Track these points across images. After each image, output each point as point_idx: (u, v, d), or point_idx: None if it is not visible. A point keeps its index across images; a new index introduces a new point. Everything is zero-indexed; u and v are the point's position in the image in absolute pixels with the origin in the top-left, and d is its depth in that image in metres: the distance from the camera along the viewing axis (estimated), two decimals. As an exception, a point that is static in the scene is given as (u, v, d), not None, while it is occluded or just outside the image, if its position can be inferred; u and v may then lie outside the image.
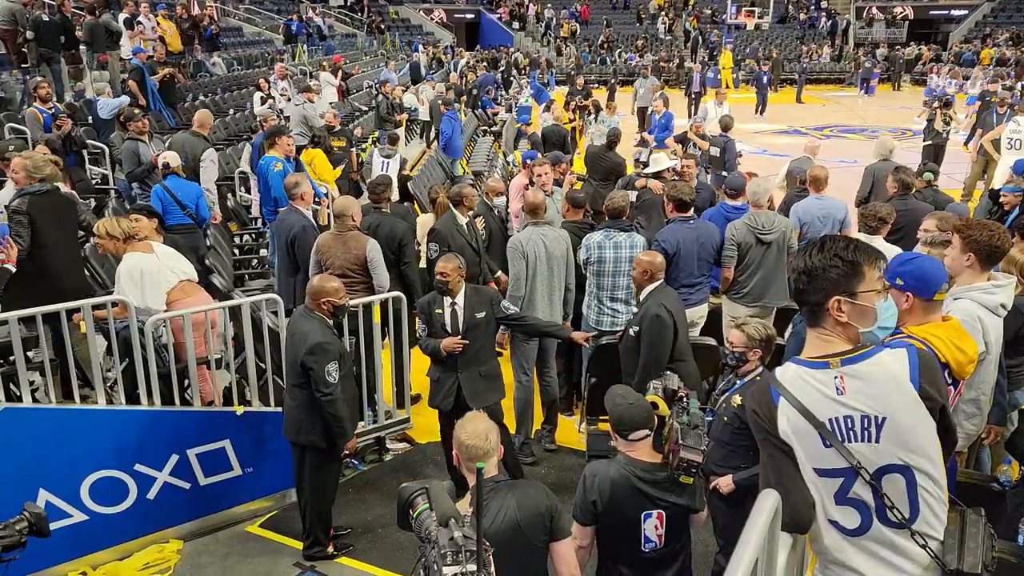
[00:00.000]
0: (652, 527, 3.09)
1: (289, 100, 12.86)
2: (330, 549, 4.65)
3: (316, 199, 7.29)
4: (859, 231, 5.54)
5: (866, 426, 2.04)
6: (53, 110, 8.59)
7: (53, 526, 4.34)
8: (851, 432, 2.05)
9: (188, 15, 16.09)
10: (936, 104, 13.42)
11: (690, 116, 12.67)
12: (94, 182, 9.16)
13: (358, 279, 5.49)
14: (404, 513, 2.44)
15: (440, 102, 13.35)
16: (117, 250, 4.92)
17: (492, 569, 2.70)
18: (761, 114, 21.31)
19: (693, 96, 19.22)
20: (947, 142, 12.89)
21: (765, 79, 21.97)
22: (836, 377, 2.05)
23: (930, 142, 12.80)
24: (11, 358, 4.46)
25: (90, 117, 10.39)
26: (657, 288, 4.65)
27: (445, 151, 12.79)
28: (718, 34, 34.42)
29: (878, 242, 5.31)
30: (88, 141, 9.26)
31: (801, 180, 7.34)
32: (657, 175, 6.93)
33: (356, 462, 5.58)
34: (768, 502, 1.84)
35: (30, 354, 4.72)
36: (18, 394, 4.47)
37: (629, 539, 3.10)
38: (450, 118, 12.78)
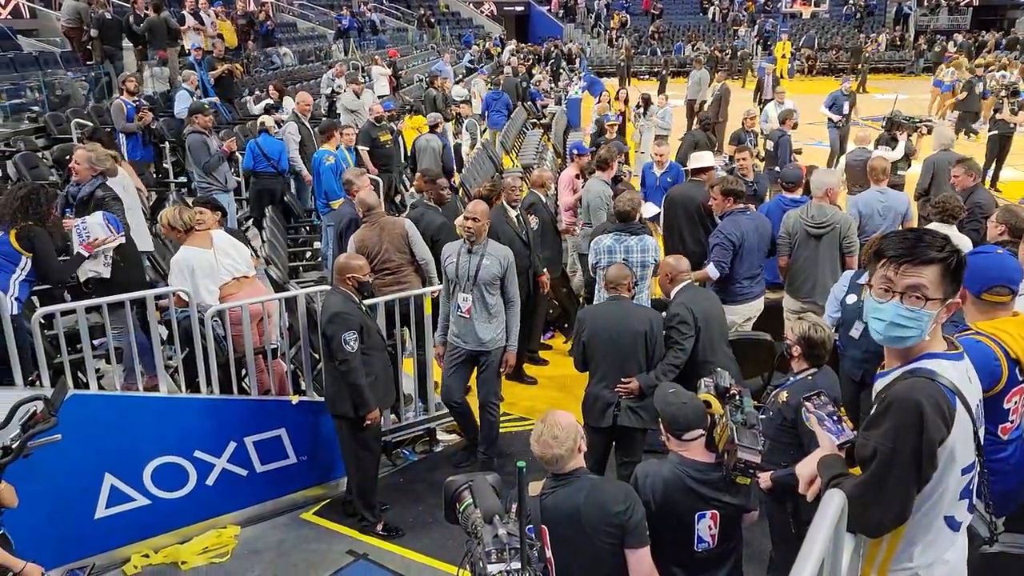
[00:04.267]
0: (706, 527, 3.06)
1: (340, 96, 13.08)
2: (379, 528, 4.76)
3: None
4: (932, 221, 5.42)
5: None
6: (137, 102, 8.88)
7: (117, 510, 4.54)
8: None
9: (244, 12, 16.39)
10: (1004, 93, 12.94)
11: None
12: (165, 174, 9.47)
13: (405, 260, 5.55)
14: (450, 507, 2.46)
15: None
16: (179, 241, 5.03)
17: (548, 554, 2.72)
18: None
19: (764, 101, 17.22)
20: (1014, 132, 12.40)
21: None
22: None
23: (996, 132, 12.33)
24: (78, 346, 4.62)
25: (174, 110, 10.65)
26: (683, 289, 4.61)
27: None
28: (773, 23, 33.69)
29: (952, 232, 5.21)
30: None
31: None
32: (698, 172, 6.82)
33: (407, 452, 5.65)
34: (834, 502, 1.81)
35: (95, 342, 4.88)
36: (85, 381, 4.63)
37: (682, 539, 3.06)
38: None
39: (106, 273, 4.98)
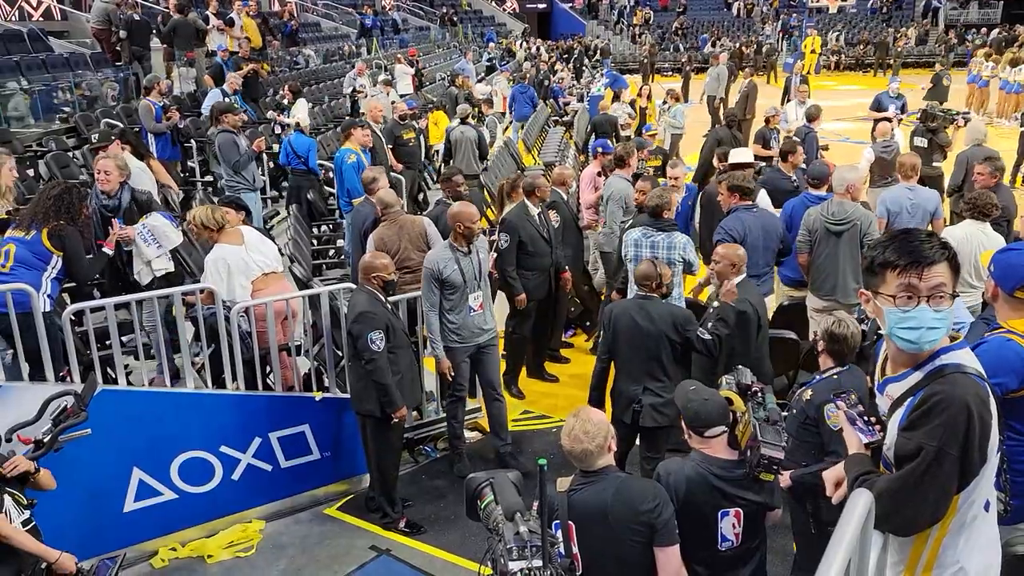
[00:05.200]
0: (729, 525, 3.04)
1: (366, 97, 13.15)
2: (402, 524, 4.80)
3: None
4: (964, 218, 5.35)
5: None
6: (164, 103, 9.01)
7: (146, 503, 4.62)
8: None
9: (258, 12, 16.49)
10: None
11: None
12: (192, 173, 9.62)
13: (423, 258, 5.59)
14: (472, 504, 2.47)
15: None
16: (211, 239, 5.08)
17: (575, 550, 2.72)
18: None
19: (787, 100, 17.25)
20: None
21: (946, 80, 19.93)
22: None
23: (1028, 128, 12.13)
24: (107, 342, 4.70)
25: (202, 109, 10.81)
26: (741, 283, 4.56)
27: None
28: (798, 17, 33.33)
29: (987, 228, 5.14)
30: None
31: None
32: (736, 167, 6.76)
33: (429, 449, 5.68)
34: (861, 501, 1.79)
35: (124, 339, 4.97)
36: (114, 377, 4.71)
37: (705, 538, 3.05)
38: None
39: (171, 266, 5.33)
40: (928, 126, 9.39)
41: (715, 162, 7.77)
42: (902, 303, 2.00)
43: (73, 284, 5.22)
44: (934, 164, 8.90)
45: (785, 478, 3.45)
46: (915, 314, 1.99)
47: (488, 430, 5.80)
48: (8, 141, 8.92)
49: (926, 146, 9.13)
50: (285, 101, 11.06)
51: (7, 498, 3.29)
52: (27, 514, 3.38)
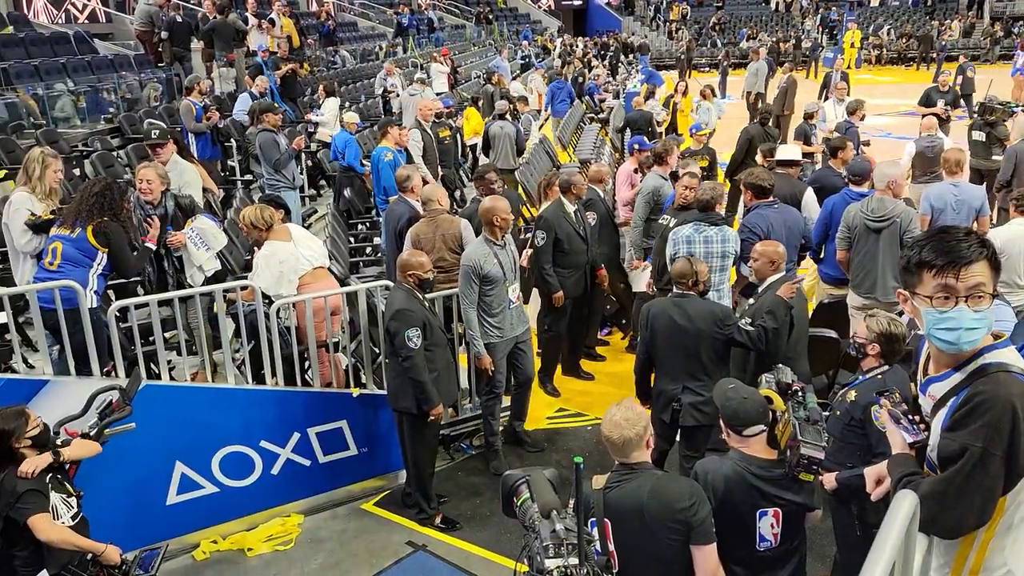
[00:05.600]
0: (768, 525, 3.01)
1: (398, 96, 13.22)
2: (438, 520, 4.83)
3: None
4: (1014, 214, 5.22)
5: None
6: (205, 103, 9.17)
7: (187, 496, 4.71)
8: None
9: (291, 12, 16.66)
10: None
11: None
12: (231, 172, 9.79)
13: (458, 261, 5.59)
14: (508, 501, 2.48)
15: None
16: (260, 238, 5.12)
17: (611, 547, 2.71)
18: None
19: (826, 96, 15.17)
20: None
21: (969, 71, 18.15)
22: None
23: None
24: (150, 338, 4.80)
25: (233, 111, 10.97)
26: (780, 279, 4.51)
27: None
28: (839, 11, 32.74)
29: None
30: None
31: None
32: (784, 164, 6.67)
33: (465, 446, 5.71)
34: (906, 503, 1.76)
35: (167, 335, 5.06)
36: (157, 372, 4.81)
37: (743, 537, 3.02)
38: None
39: (219, 265, 5.53)
40: (987, 119, 9.16)
41: (759, 159, 7.67)
42: (939, 304, 1.96)
43: (119, 281, 5.34)
44: (993, 158, 8.69)
45: (830, 480, 3.40)
46: (953, 315, 1.95)
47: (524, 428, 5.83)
48: (55, 141, 9.16)
49: (984, 140, 8.93)
50: (319, 100, 11.20)
51: (54, 496, 3.36)
52: (75, 507, 3.45)
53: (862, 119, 9.76)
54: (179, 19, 12.64)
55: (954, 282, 1.94)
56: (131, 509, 4.51)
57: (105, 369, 4.56)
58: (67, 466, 3.56)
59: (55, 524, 3.30)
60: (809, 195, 6.26)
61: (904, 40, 30.30)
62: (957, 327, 1.95)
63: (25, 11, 14.29)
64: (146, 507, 4.61)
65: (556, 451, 5.60)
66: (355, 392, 5.08)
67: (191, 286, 5.26)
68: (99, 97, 11.12)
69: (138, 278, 5.44)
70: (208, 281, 5.35)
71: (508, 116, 10.79)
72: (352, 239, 8.60)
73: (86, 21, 15.29)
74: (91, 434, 3.78)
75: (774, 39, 29.01)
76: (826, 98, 13.90)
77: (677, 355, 4.41)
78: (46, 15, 14.88)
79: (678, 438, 4.64)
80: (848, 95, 10.62)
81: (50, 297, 4.40)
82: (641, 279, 6.49)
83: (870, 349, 3.54)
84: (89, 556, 3.43)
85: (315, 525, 4.98)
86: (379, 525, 4.96)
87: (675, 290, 4.51)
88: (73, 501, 3.46)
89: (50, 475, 3.38)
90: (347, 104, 13.68)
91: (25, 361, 4.94)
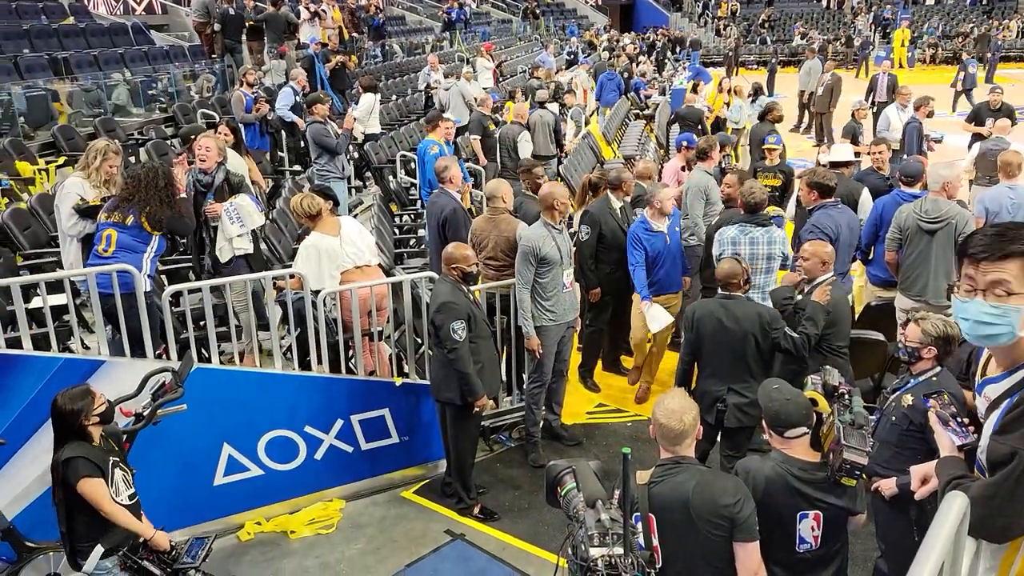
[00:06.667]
0: (808, 528, 2.99)
1: (446, 89, 13.30)
2: (476, 510, 4.89)
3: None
4: None
5: None
6: (255, 94, 9.36)
7: (234, 478, 4.83)
8: None
9: (344, 6, 16.84)
10: None
11: (874, 125, 11.08)
12: (280, 162, 9.97)
13: (509, 263, 5.62)
14: (552, 491, 2.50)
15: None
16: (310, 226, 5.24)
17: (655, 542, 2.72)
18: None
19: (876, 104, 13.80)
20: None
21: (971, 68, 18.55)
22: None
23: None
24: (201, 323, 4.93)
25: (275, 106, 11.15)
26: (827, 280, 4.45)
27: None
28: (892, 10, 31.97)
29: None
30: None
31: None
32: (837, 165, 6.57)
33: (504, 438, 5.75)
34: (955, 506, 1.75)
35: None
36: (208, 356, 4.93)
37: (783, 538, 3.01)
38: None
39: (251, 248, 5.63)
40: None
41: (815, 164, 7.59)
42: (963, 294, 1.98)
43: (171, 267, 5.50)
44: None
45: (890, 485, 3.34)
46: (968, 306, 1.95)
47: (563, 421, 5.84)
48: (112, 129, 9.43)
49: None
50: (357, 95, 11.29)
51: (118, 472, 3.47)
52: (133, 488, 3.56)
53: (928, 116, 9.49)
54: (232, 11, 12.88)
55: (974, 273, 1.95)
56: (180, 488, 4.64)
57: (158, 352, 4.69)
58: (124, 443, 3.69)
59: (106, 493, 3.39)
60: (865, 195, 6.17)
61: (960, 39, 29.46)
62: (969, 318, 1.95)
63: (86, 2, 14.68)
64: (194, 487, 4.73)
65: (595, 446, 5.62)
66: (398, 381, 5.15)
67: (217, 259, 5.49)
68: (154, 86, 11.41)
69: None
70: (244, 265, 5.56)
71: (547, 105, 10.93)
72: (397, 231, 8.70)
73: (143, 13, 15.64)
74: (144, 414, 3.91)
75: (826, 37, 28.42)
76: (872, 101, 13.52)
77: (723, 356, 4.39)
78: (105, 7, 15.25)
79: (719, 438, 4.63)
80: (911, 100, 10.22)
81: (108, 281, 4.53)
82: (657, 319, 5.87)
83: (926, 352, 3.43)
84: (140, 540, 3.53)
85: (356, 511, 5.07)
86: (419, 513, 5.04)
87: (721, 291, 4.48)
88: (130, 478, 3.57)
89: (112, 456, 3.49)
90: (393, 97, 13.84)
91: (81, 342, 5.10)
